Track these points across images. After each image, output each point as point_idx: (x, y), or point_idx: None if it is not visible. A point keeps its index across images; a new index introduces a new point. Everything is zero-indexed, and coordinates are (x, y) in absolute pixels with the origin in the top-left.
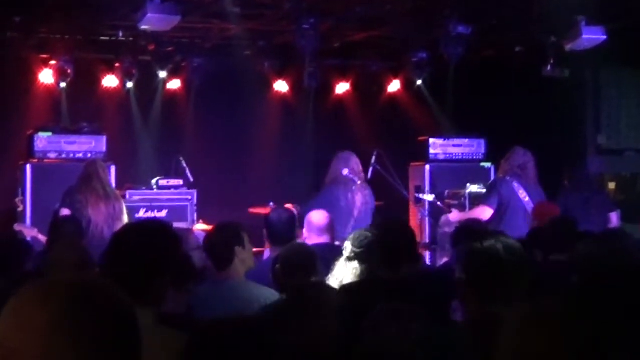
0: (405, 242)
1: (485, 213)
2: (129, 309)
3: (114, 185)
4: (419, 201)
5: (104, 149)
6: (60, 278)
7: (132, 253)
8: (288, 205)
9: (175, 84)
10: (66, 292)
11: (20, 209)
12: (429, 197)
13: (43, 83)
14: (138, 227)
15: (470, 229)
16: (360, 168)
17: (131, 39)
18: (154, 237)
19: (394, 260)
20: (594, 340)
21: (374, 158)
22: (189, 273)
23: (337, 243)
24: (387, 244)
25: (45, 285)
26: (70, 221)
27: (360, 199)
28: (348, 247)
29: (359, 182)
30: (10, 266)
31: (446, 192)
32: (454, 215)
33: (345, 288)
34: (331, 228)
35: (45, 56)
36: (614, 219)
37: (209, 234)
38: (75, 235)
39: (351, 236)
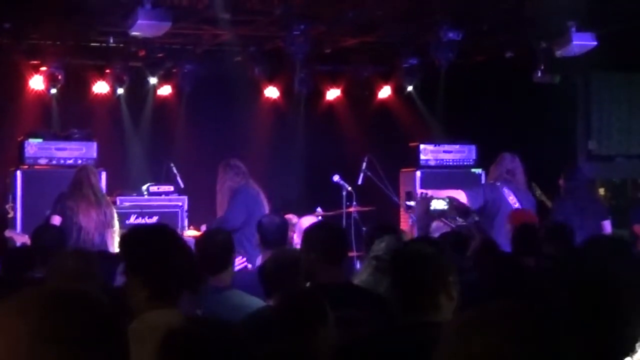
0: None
1: (459, 194)
2: (111, 315)
3: (104, 191)
4: (410, 207)
5: (94, 155)
6: (39, 289)
7: (154, 255)
8: (289, 216)
9: (165, 90)
10: (44, 302)
11: (11, 215)
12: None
13: (33, 89)
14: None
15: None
16: None
17: (122, 45)
18: (166, 240)
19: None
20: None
21: (364, 164)
22: (198, 275)
23: None
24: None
25: (23, 297)
26: (50, 229)
27: None
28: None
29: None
30: (14, 274)
31: None
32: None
33: None
34: None
35: (35, 62)
36: (607, 227)
37: (204, 238)
38: (57, 244)
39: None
